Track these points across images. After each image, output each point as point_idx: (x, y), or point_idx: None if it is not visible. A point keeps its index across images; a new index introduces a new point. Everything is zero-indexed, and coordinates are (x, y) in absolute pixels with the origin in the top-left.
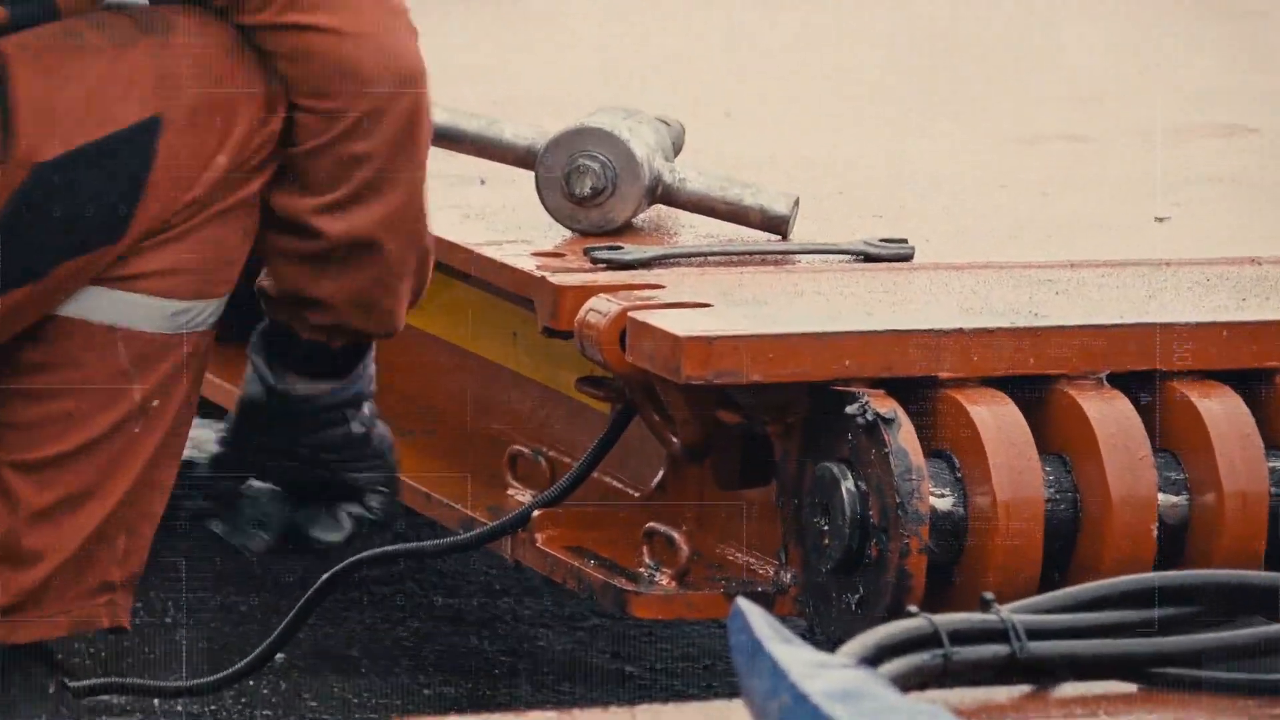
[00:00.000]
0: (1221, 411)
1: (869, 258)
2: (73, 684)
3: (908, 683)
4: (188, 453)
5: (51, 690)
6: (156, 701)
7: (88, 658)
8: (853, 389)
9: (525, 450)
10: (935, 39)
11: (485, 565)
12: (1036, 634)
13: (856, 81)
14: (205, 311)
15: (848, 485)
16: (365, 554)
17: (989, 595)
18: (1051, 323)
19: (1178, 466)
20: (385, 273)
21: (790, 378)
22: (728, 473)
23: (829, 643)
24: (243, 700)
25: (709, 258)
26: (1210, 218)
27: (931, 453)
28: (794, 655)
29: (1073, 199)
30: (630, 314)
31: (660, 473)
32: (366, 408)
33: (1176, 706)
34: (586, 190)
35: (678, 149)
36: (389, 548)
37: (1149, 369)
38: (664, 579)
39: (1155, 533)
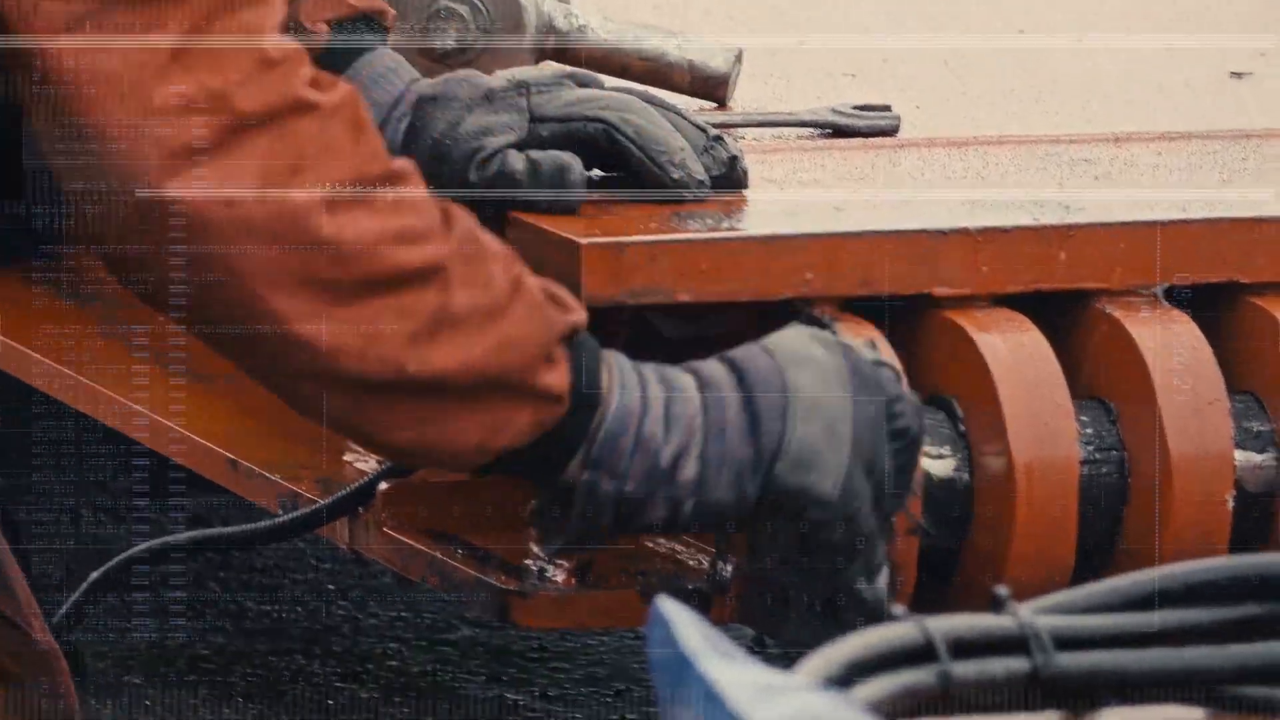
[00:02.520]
0: None
1: (839, 131)
2: None
3: (893, 710)
4: None
5: None
6: None
7: None
8: (816, 309)
9: None
10: None
11: (315, 558)
12: (1068, 642)
13: None
14: None
15: None
16: (145, 545)
17: (1003, 591)
18: (1089, 219)
19: (1262, 414)
20: None
21: (730, 296)
22: None
23: (785, 658)
24: None
25: None
26: None
27: (926, 398)
28: (737, 675)
29: (1118, 48)
30: (511, 213)
31: None
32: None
33: None
34: (450, 44)
35: None
36: (181, 535)
37: (1224, 280)
38: (559, 574)
39: (1231, 503)
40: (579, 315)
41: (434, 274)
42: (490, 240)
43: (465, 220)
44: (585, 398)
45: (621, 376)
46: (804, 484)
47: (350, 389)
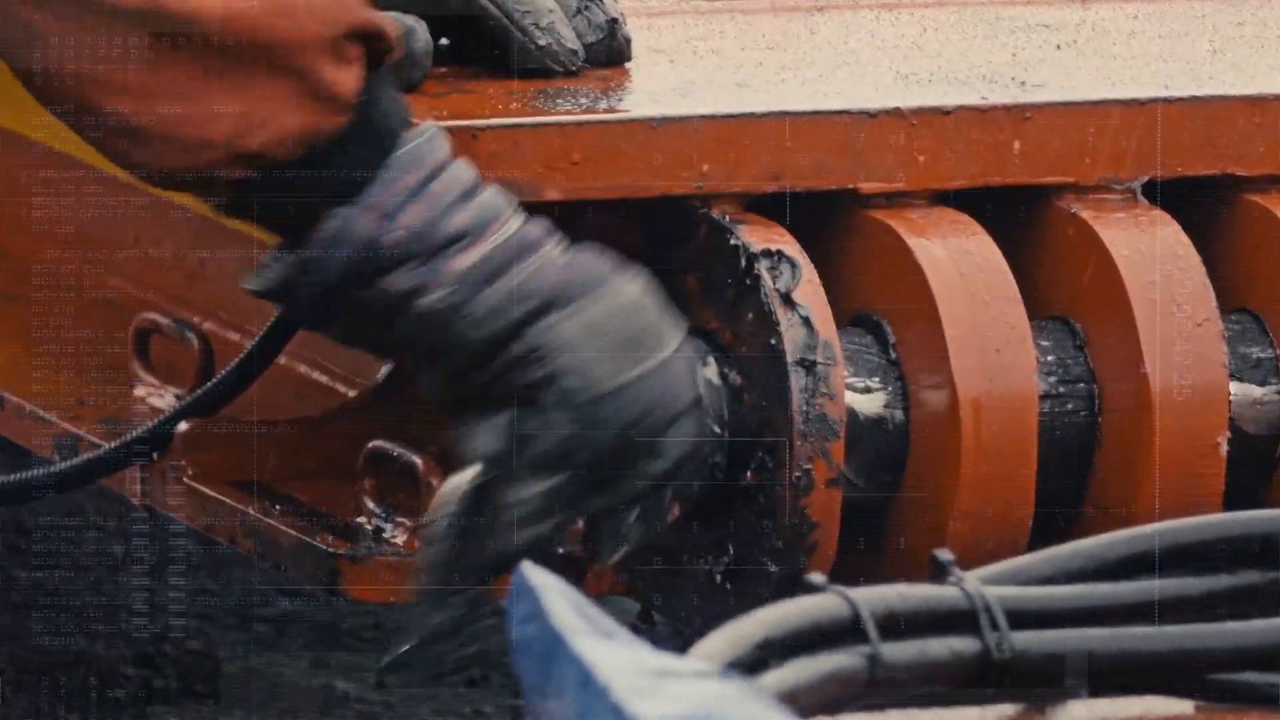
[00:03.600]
0: None
1: None
2: None
3: (810, 700)
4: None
5: None
6: None
7: None
8: (714, 210)
9: (164, 321)
10: None
11: (100, 515)
12: (1025, 618)
13: None
14: None
15: (708, 373)
16: None
17: (946, 555)
18: (1050, 98)
19: (1264, 337)
20: None
21: (608, 193)
22: None
23: (678, 637)
24: None
25: None
26: None
27: (851, 318)
28: (618, 659)
29: None
30: None
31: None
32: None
33: None
34: None
35: None
36: None
37: (1214, 173)
38: (399, 535)
39: (1225, 448)
40: (387, 23)
41: None
42: None
43: None
44: (376, 121)
45: (435, 133)
46: (572, 367)
47: (98, 26)
